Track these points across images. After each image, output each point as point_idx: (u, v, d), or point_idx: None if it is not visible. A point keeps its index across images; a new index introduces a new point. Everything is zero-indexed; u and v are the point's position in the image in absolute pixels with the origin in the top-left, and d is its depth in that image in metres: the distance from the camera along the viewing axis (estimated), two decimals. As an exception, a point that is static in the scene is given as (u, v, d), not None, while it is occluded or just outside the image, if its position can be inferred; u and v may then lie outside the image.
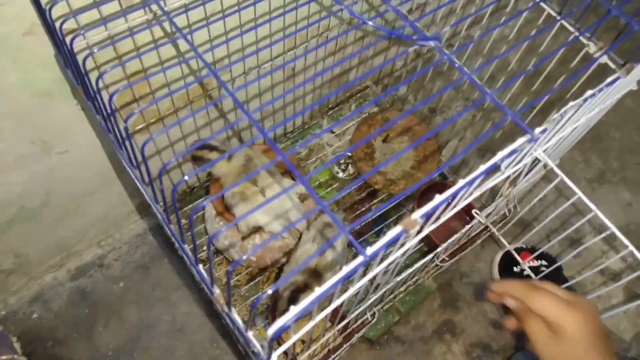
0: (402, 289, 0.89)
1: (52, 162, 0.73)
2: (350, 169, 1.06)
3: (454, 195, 0.40)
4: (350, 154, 1.05)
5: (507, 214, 0.92)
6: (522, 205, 1.09)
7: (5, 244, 0.80)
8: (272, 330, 0.34)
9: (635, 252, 0.60)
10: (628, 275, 1.03)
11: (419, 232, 0.45)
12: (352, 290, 0.47)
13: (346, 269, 0.36)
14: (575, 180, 1.15)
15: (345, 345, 0.81)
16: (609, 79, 0.47)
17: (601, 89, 0.46)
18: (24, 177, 0.71)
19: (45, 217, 0.81)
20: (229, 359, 0.89)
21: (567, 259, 1.04)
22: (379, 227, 1.00)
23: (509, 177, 0.56)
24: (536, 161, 0.62)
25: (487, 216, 0.81)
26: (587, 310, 0.49)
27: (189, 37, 0.46)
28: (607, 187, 1.15)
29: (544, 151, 0.60)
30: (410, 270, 0.72)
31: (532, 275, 0.87)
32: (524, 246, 0.98)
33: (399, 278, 0.74)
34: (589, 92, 0.46)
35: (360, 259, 0.37)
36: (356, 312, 0.70)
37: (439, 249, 0.76)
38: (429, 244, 0.97)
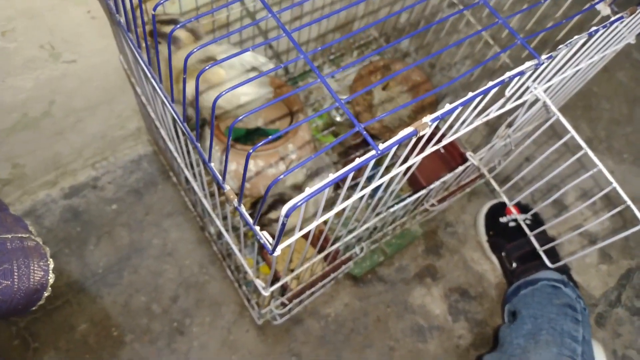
0: (389, 228, 0.92)
1: (59, 70, 0.73)
2: (347, 114, 1.07)
3: (463, 104, 0.42)
4: (350, 100, 1.07)
5: (498, 165, 0.95)
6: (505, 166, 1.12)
7: (4, 152, 0.80)
8: (284, 209, 0.36)
9: (634, 207, 0.63)
10: (603, 238, 1.07)
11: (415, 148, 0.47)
12: (350, 200, 0.49)
13: (358, 161, 0.38)
14: (563, 145, 1.18)
15: (332, 275, 0.84)
16: (613, 18, 0.49)
17: (605, 26, 0.48)
18: (30, 82, 0.71)
19: (46, 128, 0.81)
20: (217, 284, 0.92)
21: (550, 219, 1.09)
22: (371, 173, 1.02)
23: (507, 112, 0.58)
24: (535, 101, 0.64)
25: (480, 160, 0.84)
26: None
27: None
28: (593, 154, 1.18)
29: (545, 92, 0.63)
30: (401, 205, 0.75)
31: (524, 226, 0.90)
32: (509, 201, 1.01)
33: (391, 210, 0.76)
34: (594, 28, 0.48)
35: (371, 152, 0.39)
36: (340, 243, 0.72)
37: (425, 191, 0.79)
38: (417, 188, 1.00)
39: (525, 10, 0.48)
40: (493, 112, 0.55)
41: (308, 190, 0.37)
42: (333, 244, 0.72)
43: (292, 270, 0.72)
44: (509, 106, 0.57)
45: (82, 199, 0.96)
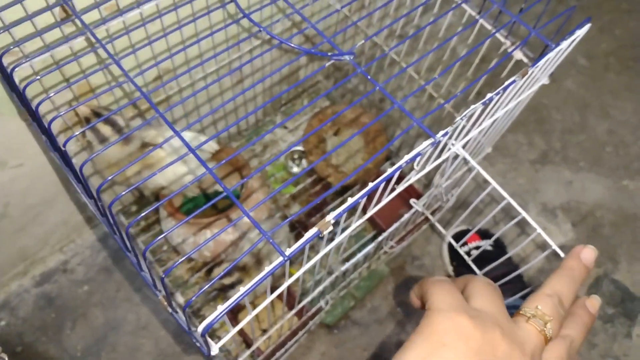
0: (355, 275, 0.94)
1: (8, 176, 0.75)
2: (304, 163, 1.10)
3: (367, 195, 0.45)
4: (303, 150, 1.10)
5: (450, 198, 0.98)
6: (464, 188, 1.15)
7: (-34, 256, 0.82)
8: (201, 327, 0.39)
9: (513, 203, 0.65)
10: (568, 248, 1.10)
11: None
12: (290, 280, 0.52)
13: (267, 270, 0.41)
14: (519, 162, 1.23)
15: (301, 332, 0.86)
16: (506, 83, 0.52)
17: (498, 93, 0.51)
18: (-20, 192, 0.73)
19: (6, 228, 0.84)
20: (194, 352, 0.94)
21: (514, 239, 1.11)
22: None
23: (430, 171, 0.60)
24: (458, 155, 0.67)
25: (426, 206, 0.86)
26: None
27: (121, 62, 0.50)
28: (550, 167, 1.22)
29: (466, 144, 0.66)
30: (354, 260, 0.78)
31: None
32: (470, 227, 1.04)
33: (346, 266, 0.79)
34: (488, 96, 0.51)
35: (279, 259, 0.41)
36: (308, 299, 0.75)
37: (381, 237, 0.81)
38: (379, 230, 1.02)
39: (414, 93, 0.51)
40: (413, 178, 0.58)
41: (221, 308, 0.39)
42: (301, 299, 0.74)
43: (265, 331, 0.74)
44: (429, 167, 0.60)
45: (54, 285, 0.98)
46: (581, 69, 1.39)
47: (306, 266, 0.52)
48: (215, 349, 0.47)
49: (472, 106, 0.51)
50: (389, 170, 0.46)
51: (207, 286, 0.40)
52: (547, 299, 0.38)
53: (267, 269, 0.41)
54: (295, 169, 1.09)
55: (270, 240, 0.41)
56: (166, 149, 0.76)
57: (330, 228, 0.43)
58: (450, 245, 1.04)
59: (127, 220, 0.98)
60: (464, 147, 0.72)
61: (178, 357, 0.93)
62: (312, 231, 0.42)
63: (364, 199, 0.46)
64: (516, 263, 1.00)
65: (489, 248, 1.00)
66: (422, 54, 0.85)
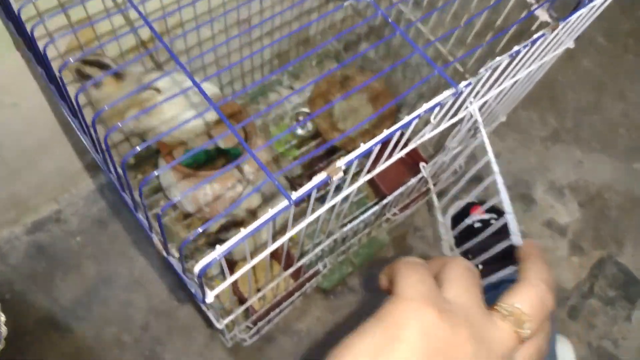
0: (354, 241, 0.92)
1: (2, 116, 0.72)
2: (309, 126, 1.07)
3: (382, 142, 0.42)
4: (308, 111, 1.06)
5: (458, 170, 0.95)
6: (473, 159, 1.12)
7: (-44, 197, 0.79)
8: (197, 267, 0.36)
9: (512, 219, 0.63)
10: (574, 229, 1.08)
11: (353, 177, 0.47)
12: (289, 234, 0.49)
13: (270, 212, 0.38)
14: (530, 139, 1.19)
15: (297, 294, 0.84)
16: (535, 36, 0.49)
17: (526, 45, 0.48)
18: (-27, 130, 0.70)
19: (-2, 172, 0.81)
20: (187, 309, 0.92)
21: (519, 214, 1.09)
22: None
23: (446, 129, 0.57)
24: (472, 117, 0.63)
25: (432, 173, 0.83)
26: None
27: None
28: (561, 145, 1.19)
29: (482, 105, 0.62)
30: (356, 222, 0.75)
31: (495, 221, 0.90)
32: (475, 201, 1.01)
33: (347, 227, 0.76)
34: (516, 48, 0.47)
35: (284, 203, 0.39)
36: (305, 259, 0.72)
37: (386, 200, 0.79)
38: (381, 197, 0.99)
39: (456, 29, 0.48)
40: (427, 134, 0.55)
41: (219, 249, 0.37)
42: (299, 259, 0.71)
43: (259, 290, 0.72)
44: (444, 125, 0.57)
45: (46, 234, 0.95)
46: (600, 48, 1.35)
47: (310, 218, 0.49)
48: (210, 296, 0.45)
49: (498, 58, 0.47)
50: (406, 119, 0.43)
51: (206, 225, 0.37)
52: (530, 293, 0.33)
53: (271, 211, 0.38)
54: (300, 131, 1.06)
55: (275, 183, 0.38)
56: (165, 93, 0.73)
57: (340, 174, 0.40)
58: (454, 217, 1.01)
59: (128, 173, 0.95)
60: (480, 109, 0.69)
61: (171, 312, 0.91)
62: (321, 176, 0.39)
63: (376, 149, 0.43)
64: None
65: (493, 222, 0.98)
66: (447, 28, 0.81)
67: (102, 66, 0.68)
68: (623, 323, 1.01)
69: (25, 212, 0.94)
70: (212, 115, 0.77)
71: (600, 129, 1.22)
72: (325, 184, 0.40)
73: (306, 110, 1.06)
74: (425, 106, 0.44)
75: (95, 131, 0.43)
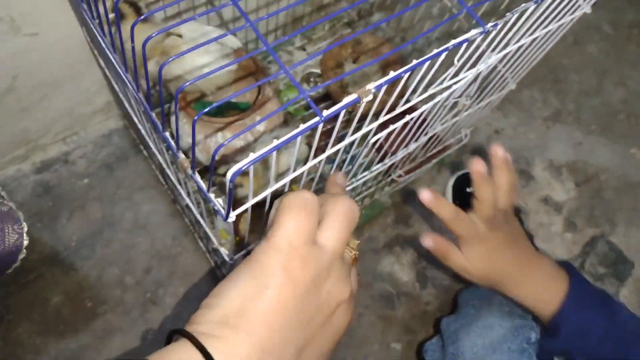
0: (357, 200, 0.94)
1: (20, 44, 0.73)
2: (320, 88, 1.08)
3: (409, 70, 0.43)
4: (320, 73, 1.07)
5: (464, 138, 0.97)
6: (477, 133, 1.14)
7: (-32, 128, 0.80)
8: (230, 173, 0.38)
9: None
10: (569, 207, 1.11)
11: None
12: (310, 163, 0.51)
13: (302, 127, 0.40)
14: (532, 117, 1.22)
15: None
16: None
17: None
18: (-9, 55, 0.71)
19: (11, 104, 0.81)
20: (190, 255, 0.93)
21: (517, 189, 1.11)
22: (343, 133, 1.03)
23: (461, 80, 0.59)
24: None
25: (444, 133, 0.85)
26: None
27: None
28: (561, 126, 1.21)
29: (501, 61, 0.64)
30: (371, 173, 0.77)
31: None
32: (477, 171, 1.03)
33: (361, 178, 0.78)
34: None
35: (316, 119, 0.40)
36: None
37: (390, 161, 0.80)
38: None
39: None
40: (447, 80, 0.56)
41: (252, 155, 0.38)
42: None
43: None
44: (463, 75, 0.58)
45: (53, 174, 0.96)
46: (605, 35, 1.37)
47: (331, 150, 0.50)
48: (233, 215, 0.46)
49: (524, 4, 0.49)
50: (432, 52, 0.44)
51: (221, 145, 0.38)
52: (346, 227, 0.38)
53: (302, 126, 0.40)
54: (311, 92, 1.07)
55: (308, 99, 0.40)
56: (186, 38, 0.74)
57: (370, 97, 0.41)
58: (454, 186, 1.03)
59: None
60: (490, 72, 0.71)
61: (173, 258, 0.93)
62: (351, 97, 0.41)
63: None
64: (519, 209, 1.00)
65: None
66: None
67: (136, 8, 0.70)
68: (610, 298, 1.04)
69: (34, 150, 0.95)
70: (232, 67, 0.78)
71: (600, 113, 1.24)
72: (355, 103, 0.41)
73: (317, 70, 1.07)
74: (454, 41, 0.45)
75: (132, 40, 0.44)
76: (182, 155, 0.48)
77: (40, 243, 0.91)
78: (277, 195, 0.45)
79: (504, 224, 0.59)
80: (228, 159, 0.86)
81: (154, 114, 0.50)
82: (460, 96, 0.69)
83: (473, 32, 0.46)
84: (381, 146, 1.01)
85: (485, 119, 1.16)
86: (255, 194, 0.48)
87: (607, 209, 1.13)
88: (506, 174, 0.58)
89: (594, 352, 0.56)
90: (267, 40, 1.05)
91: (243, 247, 0.69)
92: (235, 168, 0.38)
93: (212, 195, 0.47)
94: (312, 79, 1.08)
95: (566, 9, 0.62)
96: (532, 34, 0.61)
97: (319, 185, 0.73)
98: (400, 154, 0.81)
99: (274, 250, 0.33)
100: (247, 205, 0.49)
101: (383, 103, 0.50)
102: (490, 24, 0.47)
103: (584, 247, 1.08)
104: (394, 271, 0.99)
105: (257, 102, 0.85)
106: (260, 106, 0.87)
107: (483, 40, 0.51)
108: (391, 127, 0.59)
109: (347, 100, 0.41)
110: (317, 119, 0.40)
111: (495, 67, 0.76)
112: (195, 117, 0.38)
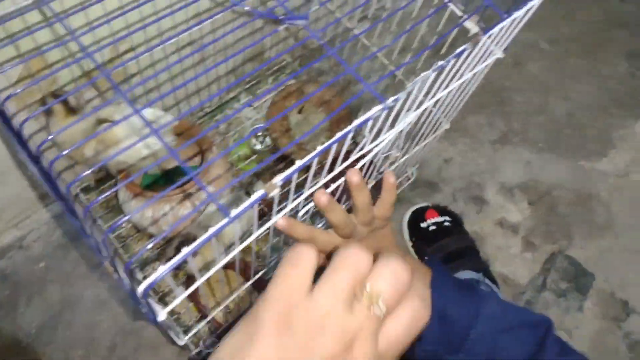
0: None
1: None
2: (268, 141, 1.10)
3: (316, 157, 0.45)
4: (267, 127, 1.09)
5: (410, 176, 0.99)
6: (427, 165, 1.16)
7: None
8: (141, 287, 0.39)
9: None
10: (525, 226, 1.13)
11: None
12: (235, 250, 0.52)
13: (210, 230, 0.41)
14: (480, 142, 1.25)
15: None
16: (457, 50, 0.53)
17: (449, 60, 0.52)
18: None
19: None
20: (154, 328, 0.93)
21: (472, 216, 1.14)
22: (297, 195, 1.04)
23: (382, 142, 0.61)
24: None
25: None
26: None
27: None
28: (509, 147, 1.24)
29: (421, 115, 0.66)
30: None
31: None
32: (429, 204, 1.06)
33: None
34: (440, 63, 0.51)
35: (225, 220, 0.41)
36: (263, 272, 0.75)
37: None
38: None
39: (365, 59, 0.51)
40: (367, 146, 0.58)
41: (162, 268, 0.39)
42: (257, 271, 0.74)
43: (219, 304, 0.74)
44: (383, 137, 0.60)
45: (8, 261, 0.96)
46: (544, 53, 1.42)
47: (256, 233, 0.52)
48: (162, 314, 0.47)
49: (423, 73, 0.51)
50: (338, 135, 0.46)
51: (149, 245, 0.40)
52: (381, 269, 0.36)
53: (211, 230, 0.41)
54: (259, 147, 1.09)
55: (215, 201, 0.41)
56: (124, 128, 0.75)
57: (277, 190, 0.43)
58: (409, 222, 1.05)
59: (86, 196, 0.97)
60: (418, 119, 0.73)
61: (138, 332, 0.92)
62: (258, 193, 0.42)
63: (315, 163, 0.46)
64: (473, 239, 1.02)
65: (447, 224, 1.02)
66: (392, 38, 0.85)
67: (69, 107, 0.71)
68: (575, 313, 1.06)
69: (-14, 240, 0.94)
70: (169, 139, 0.80)
71: (546, 130, 1.28)
72: (264, 199, 0.43)
73: (262, 125, 1.09)
74: (357, 122, 0.47)
75: (44, 163, 0.45)
76: (106, 262, 0.49)
77: (1, 334, 0.90)
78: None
79: (379, 229, 0.65)
80: (180, 233, 0.87)
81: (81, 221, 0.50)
82: (388, 151, 0.71)
83: (375, 109, 0.48)
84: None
85: (433, 150, 1.19)
86: (206, 266, 0.49)
87: (563, 223, 1.16)
88: (391, 194, 0.64)
89: (461, 346, 0.54)
90: (210, 92, 1.07)
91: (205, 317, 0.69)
92: (146, 282, 0.38)
93: (141, 293, 0.48)
94: (259, 134, 1.10)
95: (477, 59, 0.65)
96: (446, 87, 0.64)
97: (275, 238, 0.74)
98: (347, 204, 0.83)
99: (266, 302, 0.34)
100: (177, 301, 0.50)
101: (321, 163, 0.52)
102: (391, 99, 0.49)
103: (544, 265, 1.11)
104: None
105: (204, 171, 0.86)
106: (205, 174, 0.88)
107: (392, 110, 0.53)
108: (331, 187, 0.60)
109: (254, 197, 0.42)
110: (226, 219, 0.41)
111: (428, 110, 0.79)
112: (108, 230, 0.40)
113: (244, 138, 1.10)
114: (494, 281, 0.94)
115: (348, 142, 0.49)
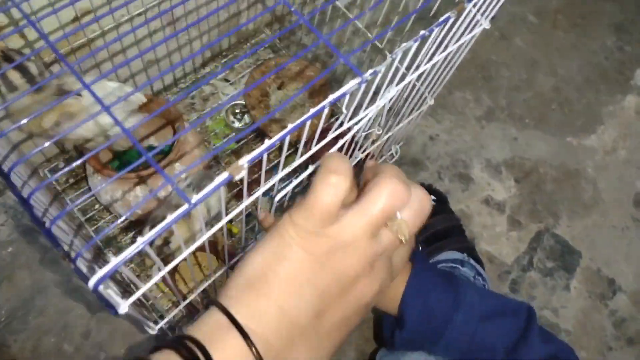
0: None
1: None
2: (247, 118, 1.05)
3: (285, 137, 0.41)
4: (245, 103, 1.05)
5: (394, 154, 0.96)
6: (412, 142, 1.13)
7: None
8: (91, 281, 0.35)
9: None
10: (511, 204, 1.11)
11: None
12: (210, 232, 0.48)
13: (170, 217, 0.37)
14: (466, 119, 1.21)
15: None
16: (440, 19, 0.49)
17: (432, 29, 0.48)
18: None
19: None
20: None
21: (458, 194, 1.11)
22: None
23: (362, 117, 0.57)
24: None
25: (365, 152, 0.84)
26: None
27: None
28: (495, 123, 1.21)
29: (404, 88, 0.63)
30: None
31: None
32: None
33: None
34: (422, 33, 0.48)
35: (185, 206, 0.38)
36: (240, 256, 0.72)
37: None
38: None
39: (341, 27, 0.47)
40: (346, 123, 0.55)
41: (115, 260, 0.35)
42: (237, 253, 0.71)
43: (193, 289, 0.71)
44: (363, 114, 0.56)
45: (-26, 246, 0.91)
46: (531, 26, 1.38)
47: (225, 219, 0.48)
48: (124, 306, 0.43)
49: (404, 43, 0.47)
50: (311, 111, 0.43)
51: (99, 236, 0.36)
52: (413, 203, 0.37)
53: (170, 217, 0.37)
54: (237, 124, 1.05)
55: (175, 187, 0.37)
56: (88, 98, 0.70)
57: (243, 173, 0.39)
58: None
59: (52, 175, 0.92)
60: (401, 95, 0.70)
61: (112, 318, 0.89)
62: (222, 176, 0.39)
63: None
64: (458, 218, 0.99)
65: (433, 203, 0.99)
66: (370, 7, 0.81)
67: (26, 74, 0.65)
68: (562, 292, 1.05)
69: (-51, 225, 0.90)
70: (135, 118, 0.75)
71: (533, 105, 1.25)
72: (230, 180, 0.39)
73: (242, 102, 1.04)
74: (331, 97, 0.43)
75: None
76: (61, 251, 0.45)
77: (-33, 322, 0.86)
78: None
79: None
80: (152, 212, 0.83)
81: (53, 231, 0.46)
82: (369, 129, 0.67)
83: (352, 83, 0.44)
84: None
85: (419, 127, 1.15)
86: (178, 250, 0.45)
87: (549, 201, 1.14)
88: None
89: (441, 334, 0.55)
90: (185, 71, 1.02)
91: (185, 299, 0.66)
92: (97, 276, 0.35)
93: (102, 287, 0.44)
94: (237, 111, 1.05)
95: (463, 29, 0.61)
96: (430, 60, 0.60)
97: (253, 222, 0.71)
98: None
99: (291, 225, 0.35)
100: (138, 293, 0.46)
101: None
102: (369, 72, 0.45)
103: (530, 244, 1.09)
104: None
105: (174, 150, 0.82)
106: (182, 155, 0.84)
107: (371, 83, 0.50)
108: (310, 168, 0.56)
109: (218, 179, 0.38)
110: (186, 206, 0.37)
111: (412, 85, 0.75)
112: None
113: (215, 110, 1.06)
114: (479, 261, 0.91)
115: (323, 118, 0.45)
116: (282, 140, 0.41)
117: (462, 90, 1.24)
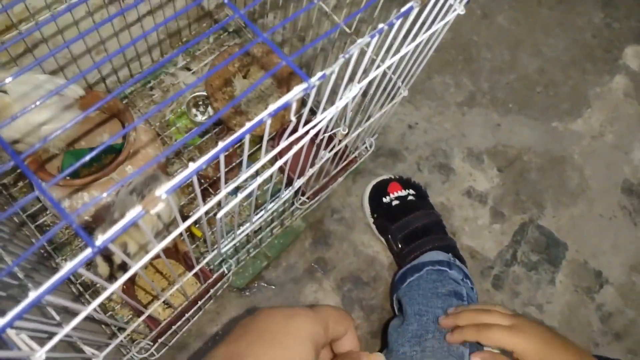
0: (267, 233, 0.86)
1: None
2: (210, 111, 0.98)
3: (209, 162, 0.35)
4: (208, 95, 0.97)
5: (369, 147, 0.89)
6: (390, 131, 1.07)
7: None
8: (3, 322, 0.28)
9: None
10: (494, 195, 1.05)
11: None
12: (150, 254, 0.42)
13: (68, 266, 0.30)
14: (446, 105, 1.15)
15: (202, 301, 0.78)
16: (402, 10, 0.42)
17: (392, 23, 0.41)
18: None
19: None
20: (88, 327, 0.84)
21: (438, 187, 1.05)
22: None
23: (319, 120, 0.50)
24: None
25: (344, 153, 0.77)
26: (532, 327, 0.64)
27: None
28: (477, 109, 1.15)
29: (371, 82, 0.56)
30: (265, 215, 0.68)
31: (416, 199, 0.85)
32: (392, 177, 0.96)
33: (246, 228, 0.69)
34: (381, 26, 0.41)
35: (87, 251, 0.31)
36: (202, 264, 0.65)
37: (285, 194, 0.72)
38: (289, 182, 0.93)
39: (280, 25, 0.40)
40: (300, 128, 0.48)
41: (35, 293, 0.29)
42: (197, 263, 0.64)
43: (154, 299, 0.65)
44: (321, 116, 0.50)
45: None
46: (514, 3, 1.31)
47: (166, 241, 0.41)
48: (40, 354, 0.37)
49: (359, 40, 0.40)
50: (248, 125, 0.36)
51: (29, 252, 0.29)
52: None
53: (69, 265, 0.31)
54: (200, 118, 0.97)
55: (74, 225, 0.31)
56: (12, 94, 0.63)
57: (161, 205, 0.33)
58: (370, 197, 0.96)
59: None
60: (367, 90, 0.63)
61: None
62: (134, 212, 0.32)
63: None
64: (438, 214, 0.93)
65: (412, 198, 0.93)
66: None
67: None
68: (547, 287, 1.00)
69: None
70: (71, 115, 0.68)
71: (517, 89, 1.19)
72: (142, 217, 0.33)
73: (203, 93, 0.97)
74: (272, 107, 0.36)
75: None
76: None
77: None
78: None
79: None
80: (102, 217, 0.76)
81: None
82: (332, 129, 0.61)
83: (296, 90, 0.37)
84: (283, 170, 0.93)
85: (396, 115, 1.09)
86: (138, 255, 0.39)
87: (533, 191, 1.08)
88: None
89: None
90: (141, 61, 0.94)
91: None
92: (3, 321, 0.28)
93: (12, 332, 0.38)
94: (200, 103, 0.98)
95: (435, 17, 0.54)
96: (397, 53, 0.53)
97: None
98: (304, 178, 0.73)
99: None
100: (61, 334, 0.40)
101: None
102: (316, 77, 0.38)
103: (513, 237, 1.04)
104: (317, 299, 0.92)
105: (125, 148, 0.75)
106: (134, 154, 0.76)
107: (326, 83, 0.43)
108: (272, 168, 0.50)
109: (128, 217, 0.32)
110: (90, 251, 0.31)
111: (384, 74, 0.69)
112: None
113: (170, 99, 0.98)
114: (461, 259, 0.86)
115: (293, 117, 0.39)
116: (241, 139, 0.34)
117: (442, 74, 1.17)
